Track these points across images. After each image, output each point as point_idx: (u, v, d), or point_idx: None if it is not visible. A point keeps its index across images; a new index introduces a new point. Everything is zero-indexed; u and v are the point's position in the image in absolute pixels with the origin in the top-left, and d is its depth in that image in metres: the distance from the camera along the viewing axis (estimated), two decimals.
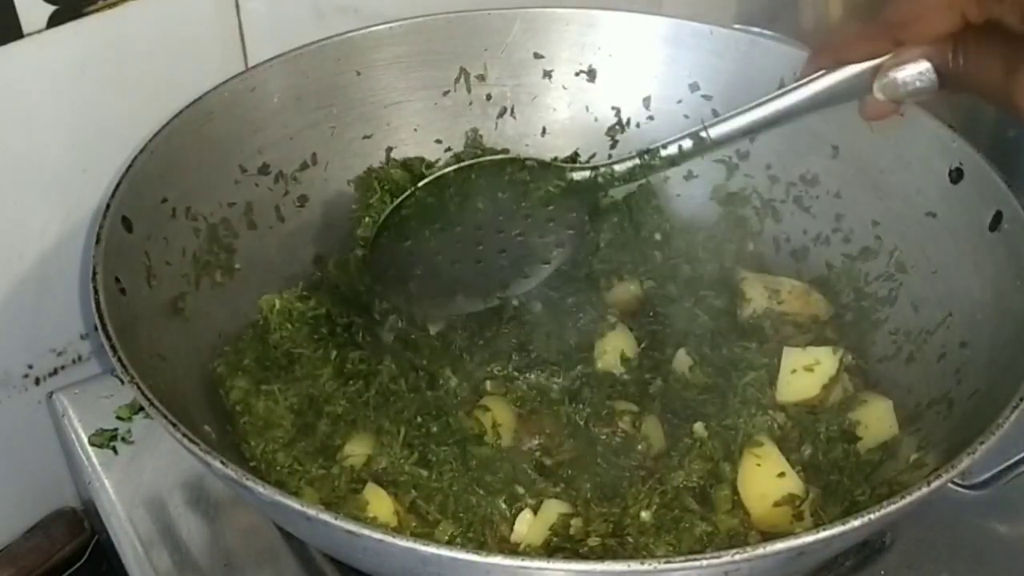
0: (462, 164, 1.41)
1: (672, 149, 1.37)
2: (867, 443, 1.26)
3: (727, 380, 1.31)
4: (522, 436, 1.29)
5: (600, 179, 1.41)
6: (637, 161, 1.39)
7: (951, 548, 1.29)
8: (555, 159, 1.49)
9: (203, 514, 1.32)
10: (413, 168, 1.49)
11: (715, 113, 1.52)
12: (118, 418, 1.41)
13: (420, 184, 1.40)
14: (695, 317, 1.40)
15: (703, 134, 1.34)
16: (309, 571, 1.26)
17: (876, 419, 1.26)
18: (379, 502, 1.18)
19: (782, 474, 1.19)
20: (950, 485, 1.33)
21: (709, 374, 1.33)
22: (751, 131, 1.34)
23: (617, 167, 1.40)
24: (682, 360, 1.34)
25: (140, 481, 1.35)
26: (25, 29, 1.25)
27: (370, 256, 1.39)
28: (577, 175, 1.42)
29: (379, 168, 1.51)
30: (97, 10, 1.29)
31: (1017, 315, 1.19)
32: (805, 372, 1.28)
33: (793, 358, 1.29)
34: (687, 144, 1.36)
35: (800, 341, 1.35)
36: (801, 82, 1.27)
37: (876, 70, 1.17)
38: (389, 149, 1.53)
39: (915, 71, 1.09)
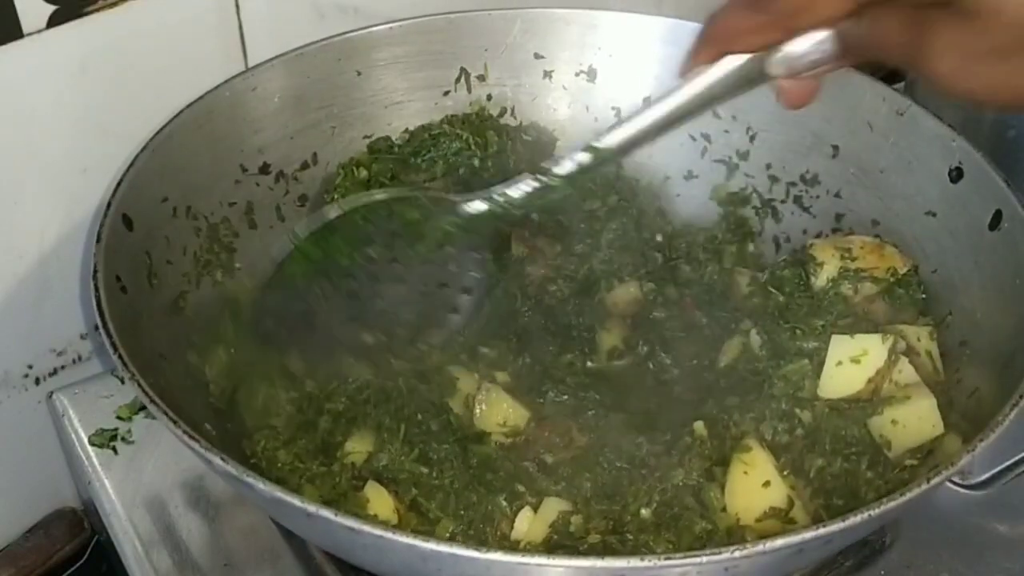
0: (345, 209, 1.26)
1: (567, 165, 1.18)
2: (905, 443, 1.21)
3: (775, 367, 1.28)
4: (525, 436, 1.29)
5: (498, 208, 1.24)
6: (533, 183, 1.20)
7: (951, 548, 1.29)
8: (446, 193, 1.32)
9: (203, 514, 1.32)
10: (378, 147, 1.51)
11: (715, 114, 1.53)
12: (118, 418, 1.41)
13: (302, 238, 1.25)
14: (768, 295, 1.39)
15: (596, 144, 1.15)
16: (309, 571, 1.26)
17: (917, 418, 1.20)
18: (379, 499, 1.17)
19: (767, 483, 1.17)
20: (950, 485, 1.34)
21: (761, 358, 1.31)
22: (647, 136, 1.12)
23: (511, 191, 1.22)
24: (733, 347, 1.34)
25: (140, 481, 1.35)
26: (25, 29, 1.25)
27: (252, 319, 1.27)
28: (470, 207, 1.25)
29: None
30: (97, 10, 1.29)
31: (1017, 314, 1.19)
32: (851, 364, 1.23)
33: (840, 348, 1.24)
34: (584, 157, 1.16)
35: (881, 307, 1.34)
36: (689, 79, 1.07)
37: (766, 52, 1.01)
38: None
39: (811, 43, 0.93)
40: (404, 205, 1.27)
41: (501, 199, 1.23)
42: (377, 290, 1.29)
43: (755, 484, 1.17)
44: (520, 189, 1.21)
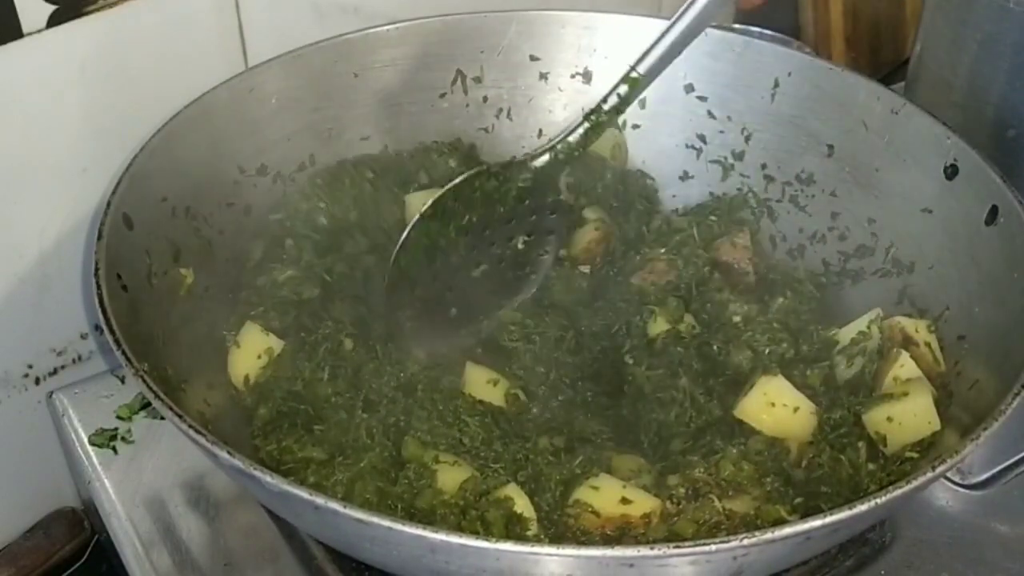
0: (435, 198, 1.36)
1: (612, 100, 1.38)
2: (901, 440, 1.21)
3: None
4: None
5: (560, 155, 1.41)
6: (586, 124, 1.39)
7: (951, 548, 1.29)
8: (513, 157, 1.44)
9: (203, 514, 1.31)
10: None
11: (710, 114, 1.54)
12: (118, 418, 1.41)
13: (410, 226, 1.35)
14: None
15: (634, 74, 1.36)
16: (309, 571, 1.26)
17: (912, 415, 1.21)
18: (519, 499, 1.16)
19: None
20: (950, 485, 1.34)
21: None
22: (671, 56, 1.35)
23: (571, 138, 1.40)
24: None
25: (140, 481, 1.35)
26: (25, 29, 1.26)
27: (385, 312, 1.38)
28: (538, 162, 1.41)
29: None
30: (97, 10, 1.30)
31: (1014, 307, 1.20)
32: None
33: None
34: (623, 89, 1.37)
35: None
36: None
37: None
38: (386, 150, 1.54)
39: None
40: (481, 179, 1.39)
41: (561, 146, 1.40)
42: (476, 258, 1.43)
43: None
44: (577, 133, 1.40)
